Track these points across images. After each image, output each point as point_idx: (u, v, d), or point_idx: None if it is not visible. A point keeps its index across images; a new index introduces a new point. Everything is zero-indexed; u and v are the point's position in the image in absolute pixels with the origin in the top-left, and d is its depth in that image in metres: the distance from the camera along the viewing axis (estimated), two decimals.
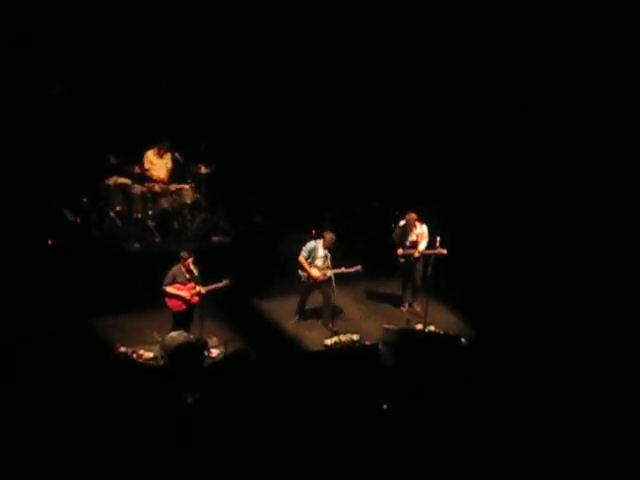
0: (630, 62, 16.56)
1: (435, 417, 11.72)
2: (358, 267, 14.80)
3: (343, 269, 14.72)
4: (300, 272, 14.90)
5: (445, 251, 14.94)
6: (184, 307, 13.78)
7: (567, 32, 16.89)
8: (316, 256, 14.84)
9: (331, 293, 14.81)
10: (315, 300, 15.25)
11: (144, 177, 17.09)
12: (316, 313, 15.21)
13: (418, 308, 15.47)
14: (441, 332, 14.68)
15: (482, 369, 13.14)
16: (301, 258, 14.87)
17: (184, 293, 13.69)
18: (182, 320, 13.80)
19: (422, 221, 15.31)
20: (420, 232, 15.23)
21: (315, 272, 14.82)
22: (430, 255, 15.06)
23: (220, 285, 13.76)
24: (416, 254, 15.22)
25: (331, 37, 18.22)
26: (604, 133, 16.92)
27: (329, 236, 14.85)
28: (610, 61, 16.66)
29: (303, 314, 15.16)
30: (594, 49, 16.74)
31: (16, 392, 11.63)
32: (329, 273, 14.75)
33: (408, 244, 15.29)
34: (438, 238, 14.89)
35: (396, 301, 15.83)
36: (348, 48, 18.32)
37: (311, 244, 14.92)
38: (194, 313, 13.88)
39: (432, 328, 14.83)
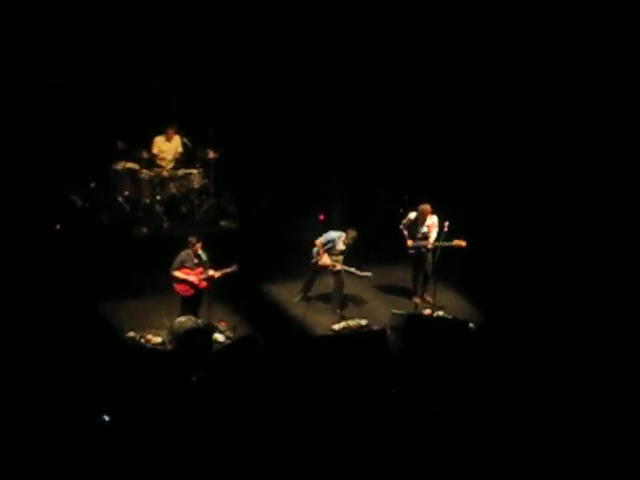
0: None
1: (443, 402, 11.71)
2: (369, 274, 14.77)
3: (354, 270, 14.71)
4: (313, 253, 14.89)
5: (464, 243, 14.81)
6: (192, 292, 13.80)
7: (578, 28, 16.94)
8: (334, 249, 14.79)
9: (343, 280, 14.83)
10: (325, 286, 15.25)
11: (152, 162, 17.10)
12: (325, 298, 15.20)
13: (429, 298, 15.29)
14: (449, 317, 14.67)
15: (490, 354, 13.12)
16: (318, 242, 14.82)
17: (192, 278, 13.70)
18: (190, 305, 13.82)
19: (433, 212, 15.16)
20: (430, 223, 15.05)
21: (326, 259, 14.78)
22: (446, 247, 14.95)
23: (229, 270, 13.77)
24: (429, 246, 15.06)
25: (338, 22, 18.17)
26: (611, 126, 16.95)
27: (352, 233, 14.76)
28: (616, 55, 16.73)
29: (306, 296, 15.15)
30: (598, 47, 16.78)
31: (24, 377, 11.66)
32: (338, 267, 14.74)
33: (420, 236, 15.15)
34: (447, 223, 14.83)
35: (404, 286, 15.77)
36: (357, 32, 18.27)
37: (332, 235, 14.83)
38: (202, 298, 13.89)
39: (440, 313, 14.83)
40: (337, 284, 14.94)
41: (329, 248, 14.80)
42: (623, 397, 11.92)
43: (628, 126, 16.90)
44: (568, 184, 17.18)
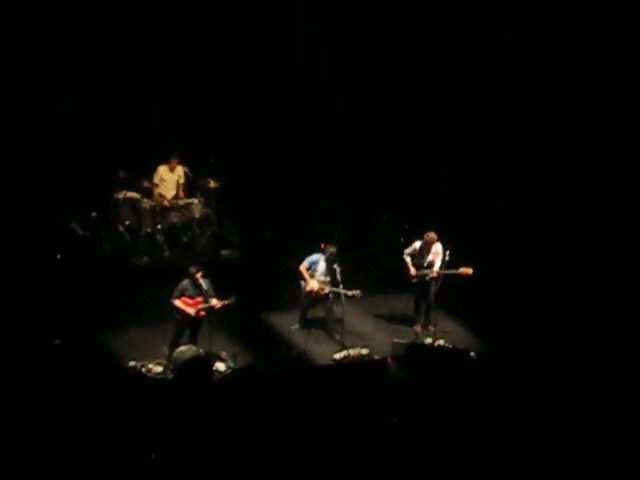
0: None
1: (444, 431, 11.67)
2: (357, 292, 14.69)
3: (341, 289, 14.65)
4: (302, 282, 14.90)
5: (471, 270, 14.78)
6: (186, 319, 13.80)
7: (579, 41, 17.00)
8: (317, 269, 14.82)
9: (332, 307, 14.84)
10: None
11: (149, 192, 17.11)
12: (325, 327, 15.17)
13: (432, 327, 15.18)
14: (450, 346, 14.65)
15: (491, 383, 13.09)
16: (302, 267, 14.88)
17: (190, 309, 13.68)
18: (181, 330, 13.81)
19: (438, 239, 15.11)
20: (435, 251, 15.01)
21: (313, 284, 14.79)
22: (451, 275, 14.92)
23: (227, 302, 13.74)
24: (434, 275, 15.02)
25: (343, 47, 18.25)
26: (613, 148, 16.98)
27: (330, 250, 14.81)
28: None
29: (305, 325, 15.11)
30: (600, 56, 16.84)
31: (25, 406, 11.64)
32: (327, 289, 14.73)
33: (425, 264, 15.09)
34: (447, 252, 14.82)
35: (405, 315, 15.76)
36: (362, 59, 18.34)
37: (314, 257, 14.90)
38: (201, 326, 13.86)
39: (441, 342, 14.81)
40: (327, 311, 14.95)
41: (313, 270, 14.82)
42: (628, 430, 11.90)
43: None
44: (570, 212, 17.20)
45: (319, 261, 14.85)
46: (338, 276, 14.62)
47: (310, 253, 15.08)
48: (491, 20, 17.84)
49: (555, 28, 17.13)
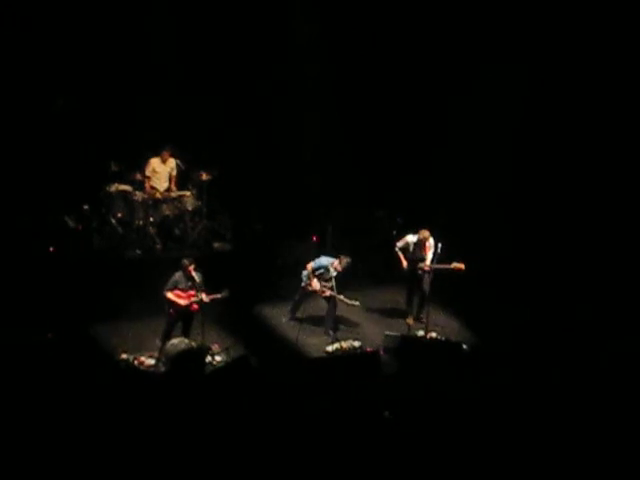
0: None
1: (437, 424, 11.68)
2: (356, 302, 14.70)
3: (342, 297, 14.62)
4: (303, 277, 14.89)
5: (462, 266, 14.79)
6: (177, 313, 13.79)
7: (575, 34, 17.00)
8: (324, 276, 14.78)
9: (336, 303, 14.81)
10: (317, 308, 15.25)
11: (141, 185, 17.09)
12: (317, 320, 15.19)
13: (424, 320, 15.18)
14: (443, 339, 14.67)
15: (484, 376, 13.11)
16: (309, 267, 14.84)
17: (183, 301, 13.67)
18: (173, 323, 13.81)
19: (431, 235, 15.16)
20: (428, 245, 15.05)
21: (316, 284, 14.79)
22: (443, 270, 14.94)
23: (219, 295, 13.73)
24: (426, 268, 15.06)
25: (337, 41, 18.23)
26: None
27: (345, 260, 14.74)
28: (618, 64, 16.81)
29: (295, 317, 15.15)
30: (600, 51, 16.86)
31: (17, 400, 11.62)
32: (327, 293, 14.73)
33: (417, 258, 15.10)
34: (440, 245, 14.83)
35: (397, 308, 15.79)
36: (354, 53, 18.34)
37: (324, 261, 14.79)
38: (193, 320, 13.86)
39: (434, 335, 14.82)
40: (331, 306, 14.93)
41: (320, 274, 14.81)
42: (619, 412, 11.93)
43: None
44: (560, 203, 17.25)
45: (329, 269, 14.72)
46: (333, 283, 14.63)
47: (319, 255, 15.09)
48: (488, 18, 17.87)
49: (553, 27, 17.17)
